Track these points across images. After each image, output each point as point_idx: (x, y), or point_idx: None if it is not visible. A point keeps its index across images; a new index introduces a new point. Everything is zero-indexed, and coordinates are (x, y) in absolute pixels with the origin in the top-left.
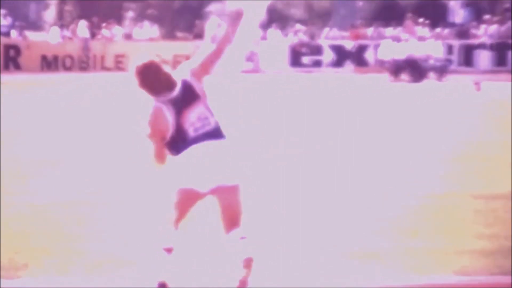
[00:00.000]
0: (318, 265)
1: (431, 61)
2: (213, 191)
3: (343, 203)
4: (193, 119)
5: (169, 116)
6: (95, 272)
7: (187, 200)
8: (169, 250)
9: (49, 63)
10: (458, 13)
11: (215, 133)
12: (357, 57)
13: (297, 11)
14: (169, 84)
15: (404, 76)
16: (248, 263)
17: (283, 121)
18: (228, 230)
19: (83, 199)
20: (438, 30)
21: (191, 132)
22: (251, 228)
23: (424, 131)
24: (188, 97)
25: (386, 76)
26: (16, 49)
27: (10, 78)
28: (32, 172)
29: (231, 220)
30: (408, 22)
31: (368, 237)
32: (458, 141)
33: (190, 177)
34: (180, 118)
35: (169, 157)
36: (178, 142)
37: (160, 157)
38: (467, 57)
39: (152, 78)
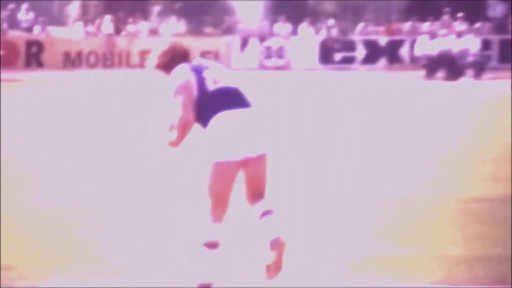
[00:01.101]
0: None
1: (469, 58)
2: (245, 161)
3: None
4: (217, 84)
5: (193, 76)
6: (115, 279)
7: (226, 177)
8: (211, 246)
9: (73, 60)
10: (497, 8)
11: (242, 101)
12: (391, 54)
13: (329, 6)
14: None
15: (440, 73)
16: (275, 245)
17: (304, 122)
18: (253, 202)
19: (101, 203)
20: (476, 25)
21: (215, 94)
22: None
23: (455, 133)
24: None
25: (421, 74)
26: (39, 45)
27: (32, 76)
28: (51, 175)
29: (257, 191)
30: (446, 17)
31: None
32: (496, 143)
33: (224, 146)
34: (204, 81)
35: (194, 136)
36: (204, 106)
37: (188, 121)
38: (507, 53)
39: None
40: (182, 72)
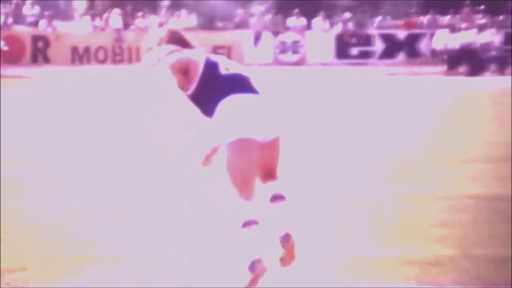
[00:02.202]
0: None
1: (492, 52)
2: (263, 142)
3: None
4: (229, 71)
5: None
6: (131, 280)
7: (251, 155)
8: (249, 224)
9: (81, 56)
10: None
11: (254, 89)
12: (411, 48)
13: None
14: None
15: (462, 68)
16: (285, 242)
17: (318, 119)
18: (264, 182)
19: (117, 203)
20: (498, 18)
21: (228, 78)
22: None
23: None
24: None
25: (442, 69)
26: (45, 40)
27: (39, 72)
28: (62, 175)
29: (270, 173)
30: (466, 10)
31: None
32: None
33: (245, 125)
34: (217, 65)
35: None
36: (217, 88)
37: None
38: None
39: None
40: (194, 52)
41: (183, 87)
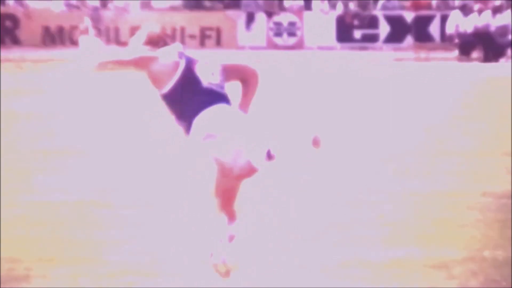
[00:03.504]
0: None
1: (508, 36)
2: None
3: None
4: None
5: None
6: (115, 281)
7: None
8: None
9: (53, 36)
10: None
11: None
12: (419, 31)
13: None
14: None
15: (476, 53)
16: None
17: (317, 110)
18: None
19: (108, 198)
20: None
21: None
22: None
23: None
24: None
25: (454, 54)
26: (14, 19)
27: (7, 55)
28: (45, 165)
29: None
30: None
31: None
32: None
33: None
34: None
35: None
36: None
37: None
38: None
39: None
40: (172, 54)
41: (156, 86)
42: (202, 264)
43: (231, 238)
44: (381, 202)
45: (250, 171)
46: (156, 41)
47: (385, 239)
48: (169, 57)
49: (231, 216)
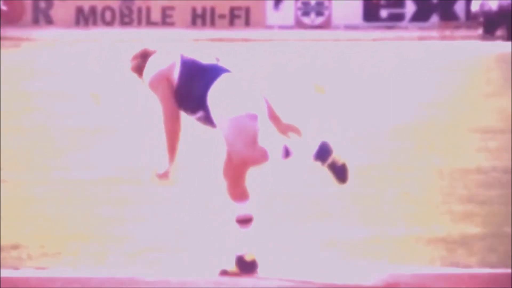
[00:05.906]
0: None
1: None
2: None
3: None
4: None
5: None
6: (133, 261)
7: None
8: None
9: (86, 17)
10: None
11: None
12: (445, 10)
13: None
14: None
15: (500, 32)
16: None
17: (345, 86)
18: None
19: (136, 175)
20: None
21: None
22: None
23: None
24: None
25: (477, 33)
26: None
27: (41, 34)
28: (74, 144)
29: None
30: None
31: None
32: None
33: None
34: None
35: None
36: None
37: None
38: None
39: None
40: (166, 54)
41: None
42: (227, 240)
43: (245, 218)
44: (404, 179)
45: (262, 159)
46: (145, 55)
47: (407, 216)
48: (164, 62)
49: (242, 196)
